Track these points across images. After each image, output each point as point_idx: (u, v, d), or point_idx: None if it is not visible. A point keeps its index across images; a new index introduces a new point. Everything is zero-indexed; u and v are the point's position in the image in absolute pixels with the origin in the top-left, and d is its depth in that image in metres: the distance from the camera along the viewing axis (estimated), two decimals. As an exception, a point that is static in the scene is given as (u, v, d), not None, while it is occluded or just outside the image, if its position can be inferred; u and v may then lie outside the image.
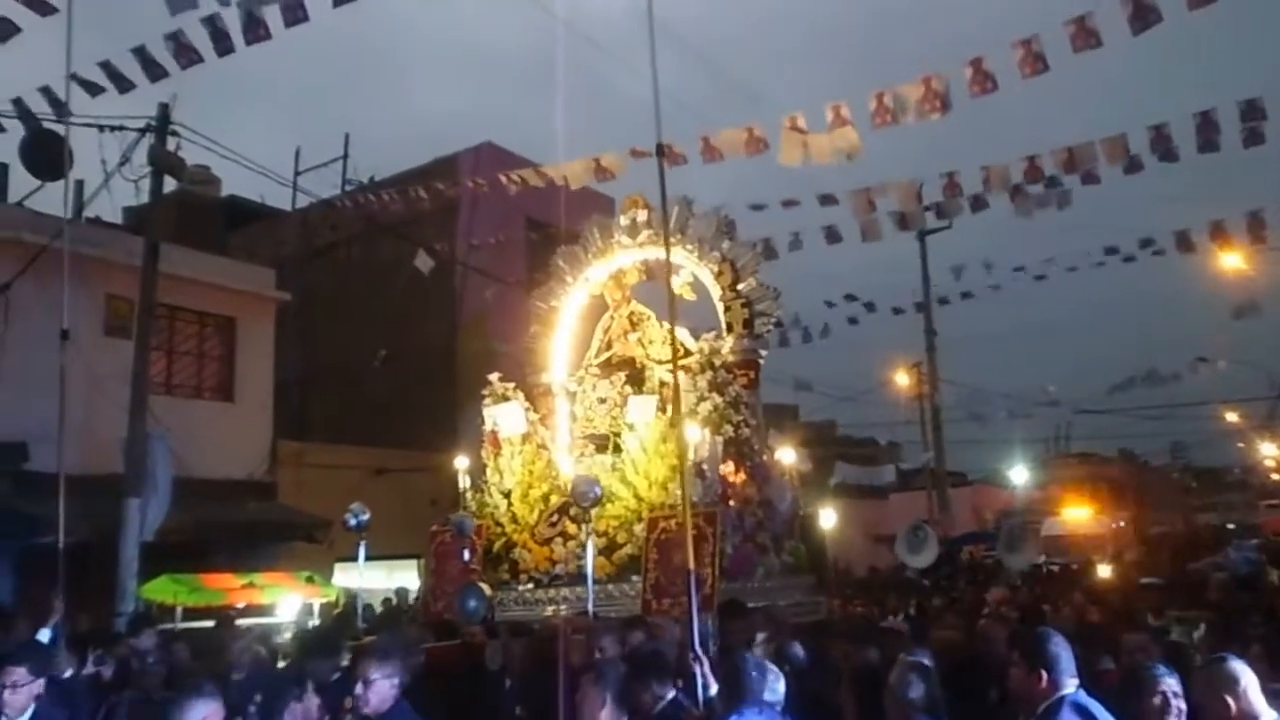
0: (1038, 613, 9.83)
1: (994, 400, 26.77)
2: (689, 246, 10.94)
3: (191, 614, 12.80)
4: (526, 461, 10.49)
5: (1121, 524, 29.18)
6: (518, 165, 19.83)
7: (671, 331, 8.13)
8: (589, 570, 6.40)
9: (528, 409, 10.84)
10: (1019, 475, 35.53)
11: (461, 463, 10.76)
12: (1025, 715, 3.92)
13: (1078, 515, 28.16)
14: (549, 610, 9.25)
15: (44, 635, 6.36)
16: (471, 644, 7.99)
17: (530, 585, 9.86)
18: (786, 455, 10.86)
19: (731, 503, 9.39)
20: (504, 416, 10.69)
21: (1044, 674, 3.87)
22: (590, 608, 6.45)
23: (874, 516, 31.91)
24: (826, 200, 13.79)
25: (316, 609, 13.62)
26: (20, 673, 4.70)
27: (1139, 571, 17.11)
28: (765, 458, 10.38)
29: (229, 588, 12.76)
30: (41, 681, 4.81)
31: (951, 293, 21.86)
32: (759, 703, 4.34)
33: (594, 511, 9.30)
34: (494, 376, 11.02)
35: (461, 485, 10.65)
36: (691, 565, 5.27)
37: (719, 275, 10.74)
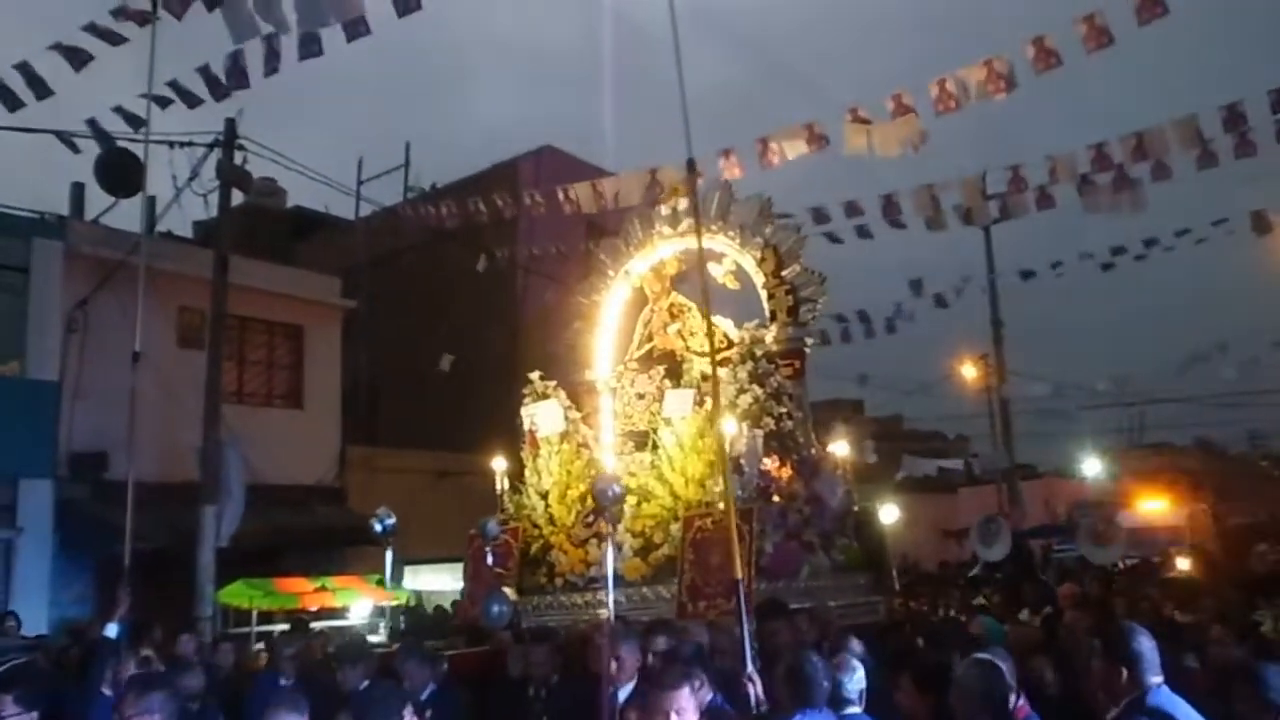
0: (1109, 608, 9.57)
1: (1065, 391, 26.23)
2: (730, 233, 10.48)
3: (266, 617, 13.08)
4: (565, 461, 10.07)
5: (1199, 515, 28.41)
6: (577, 168, 19.96)
7: (708, 321, 8.01)
8: (609, 572, 6.15)
9: (569, 407, 10.50)
10: (1091, 467, 34.80)
11: (499, 464, 10.52)
12: (1106, 712, 3.81)
13: (1153, 507, 27.50)
14: (587, 615, 8.97)
15: (111, 631, 6.43)
16: (499, 650, 7.86)
17: (566, 589, 9.58)
18: (839, 448, 10.39)
19: (776, 498, 9.02)
20: (542, 415, 10.37)
21: (1125, 670, 3.76)
22: (612, 612, 6.21)
23: (943, 511, 31.47)
24: (889, 204, 13.64)
25: (388, 611, 13.81)
26: (6, 701, 4.31)
27: (1219, 563, 16.65)
28: (813, 451, 9.94)
29: (302, 591, 12.99)
30: (35, 715, 4.37)
31: (1017, 282, 21.52)
32: (822, 705, 4.28)
33: (628, 511, 9.13)
34: (535, 375, 10.74)
35: (499, 487, 10.42)
36: (739, 574, 5.09)
37: (761, 262, 10.23)
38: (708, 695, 4.57)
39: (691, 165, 6.61)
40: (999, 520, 18.26)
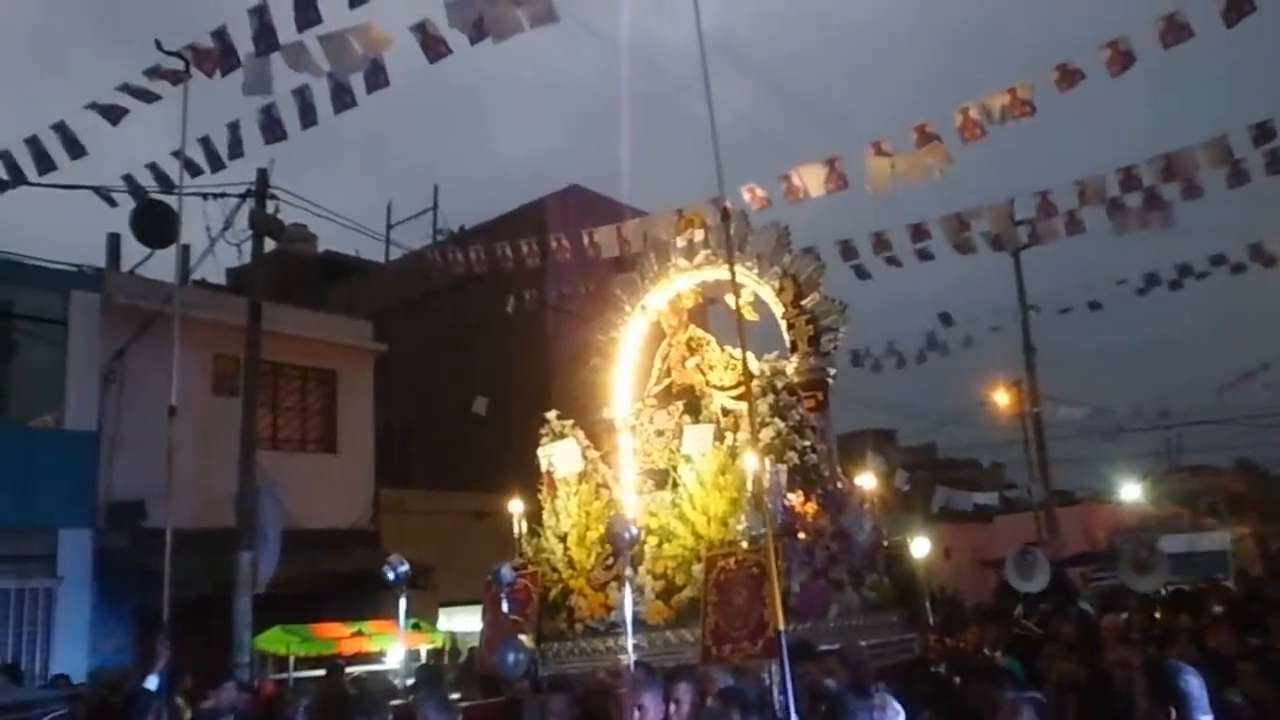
0: (1160, 640, 9.37)
1: (1101, 414, 25.92)
2: (748, 264, 10.13)
3: (303, 663, 13.08)
4: (583, 502, 9.83)
5: (1244, 539, 27.92)
6: (602, 205, 20.08)
7: (744, 356, 7.85)
8: (627, 616, 5.96)
9: (587, 446, 10.27)
10: (1129, 491, 34.32)
11: (516, 506, 10.24)
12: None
13: (1194, 532, 27.07)
14: (609, 661, 8.60)
15: (151, 683, 6.46)
16: (516, 701, 7.63)
17: (587, 634, 9.28)
18: (867, 481, 10.11)
19: (801, 535, 8.64)
20: (559, 455, 10.12)
21: (1174, 710, 3.68)
22: (632, 658, 6.03)
23: (980, 540, 31.13)
24: (919, 233, 13.63)
25: (423, 655, 13.78)
26: None
27: (1266, 590, 16.32)
28: (839, 485, 9.60)
29: (338, 636, 13.01)
30: None
31: (1049, 307, 21.45)
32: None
33: (649, 552, 8.91)
34: (551, 414, 10.49)
35: (516, 530, 10.18)
36: (777, 619, 4.95)
37: (780, 291, 9.91)
38: None
39: (725, 214, 6.62)
40: (1034, 552, 17.94)
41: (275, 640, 12.94)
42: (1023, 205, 14.32)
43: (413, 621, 13.61)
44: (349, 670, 11.96)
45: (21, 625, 13.29)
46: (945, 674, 8.30)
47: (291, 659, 13.06)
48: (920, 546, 12.96)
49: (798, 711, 4.79)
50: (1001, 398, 26.60)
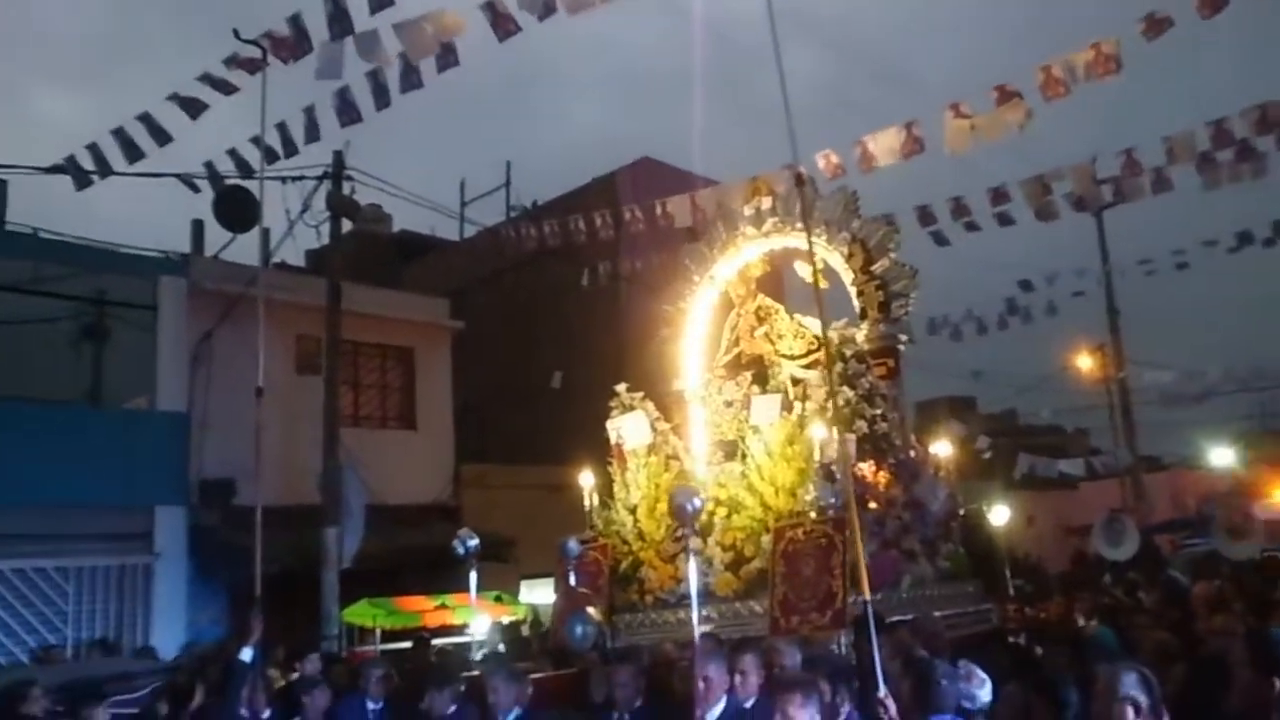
0: (1258, 609, 9.06)
1: (1189, 377, 25.13)
2: (817, 230, 9.87)
3: (389, 635, 13.37)
4: (653, 474, 9.80)
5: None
6: (674, 177, 19.99)
7: (824, 328, 7.77)
8: (692, 588, 5.93)
9: (657, 419, 10.22)
10: (1220, 456, 33.30)
11: (586, 479, 10.23)
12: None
13: (1292, 496, 26.18)
14: (679, 633, 8.54)
15: (246, 655, 6.68)
16: (585, 673, 7.61)
17: (657, 606, 9.30)
18: (941, 449, 9.94)
19: (872, 505, 8.56)
20: (628, 428, 10.10)
21: (1277, 681, 3.59)
22: (697, 629, 6.03)
23: (1064, 508, 30.51)
24: (998, 197, 13.32)
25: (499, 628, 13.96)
26: None
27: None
28: (912, 454, 9.51)
29: (423, 609, 13.24)
30: None
31: (1134, 268, 20.85)
32: (951, 711, 4.23)
33: (718, 523, 8.88)
34: (621, 387, 10.45)
35: (587, 503, 10.19)
36: (867, 594, 4.85)
37: (850, 258, 9.78)
38: (844, 711, 4.50)
39: (800, 179, 6.56)
40: (1121, 518, 17.54)
41: (362, 613, 13.23)
42: (1105, 164, 13.93)
43: (495, 594, 13.85)
44: (434, 642, 12.21)
45: (122, 600, 13.80)
46: (1025, 645, 8.17)
47: (378, 631, 13.35)
48: (999, 514, 12.71)
49: (883, 681, 4.70)
50: (1084, 362, 25.97)
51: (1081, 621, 9.80)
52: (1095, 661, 5.07)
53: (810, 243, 7.68)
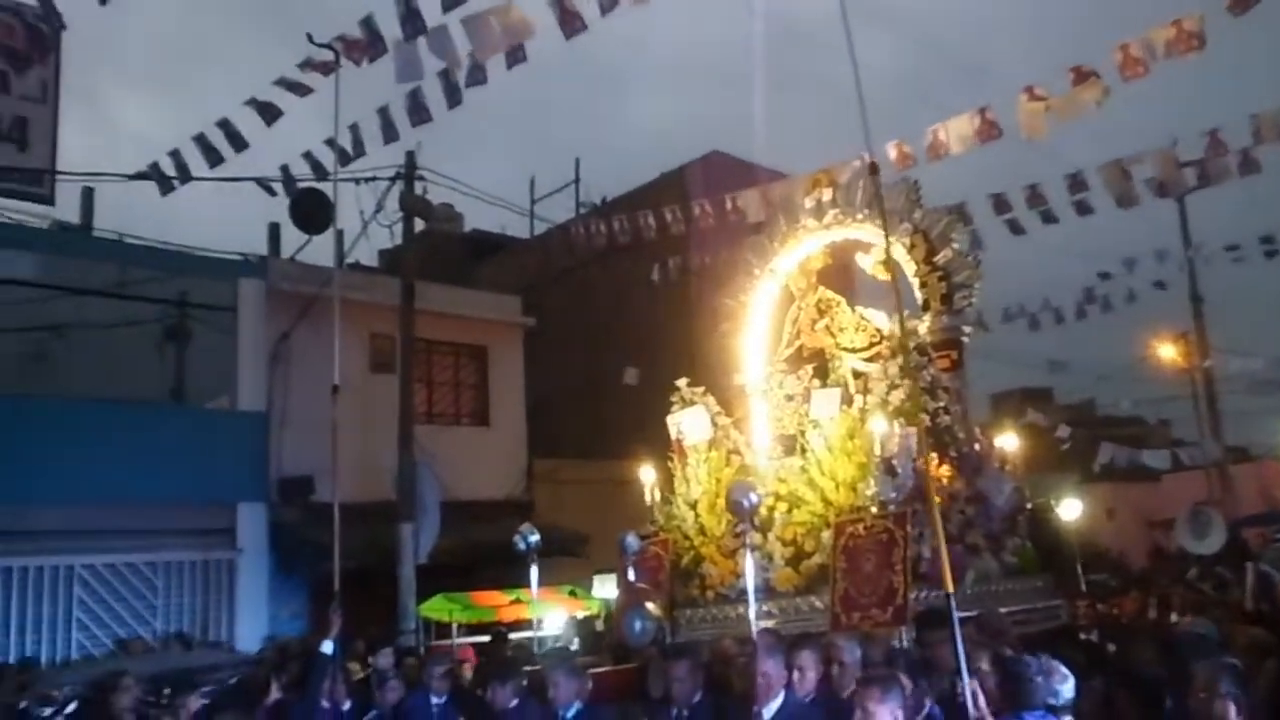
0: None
1: (1278, 365, 24.26)
2: (879, 221, 9.36)
3: (465, 629, 13.53)
4: (714, 469, 9.72)
5: None
6: (744, 170, 19.87)
7: (900, 319, 7.62)
8: (750, 584, 5.84)
9: (718, 413, 10.12)
10: (1315, 447, 32.12)
11: (647, 474, 10.15)
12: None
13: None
14: (739, 628, 8.19)
15: (327, 647, 6.82)
16: (644, 668, 7.52)
17: (718, 601, 9.20)
18: (1007, 441, 9.68)
19: (935, 499, 8.48)
20: (688, 423, 10.03)
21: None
22: (754, 625, 5.90)
23: (1147, 500, 29.83)
24: (1076, 184, 13.00)
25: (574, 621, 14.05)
26: None
27: None
28: (976, 447, 9.29)
29: (498, 604, 13.36)
30: None
31: (1217, 253, 20.25)
32: (1039, 706, 4.15)
33: (778, 518, 8.81)
34: (681, 382, 10.36)
35: (648, 498, 10.12)
36: (950, 587, 4.65)
37: (912, 249, 9.55)
38: (927, 707, 4.44)
39: (874, 168, 6.46)
40: (1207, 511, 17.00)
41: (438, 608, 13.41)
42: (1187, 147, 13.51)
43: (569, 589, 13.93)
44: (511, 637, 12.32)
45: (207, 594, 14.17)
46: (1097, 642, 7.97)
47: (454, 626, 13.52)
48: (1069, 508, 12.36)
49: (963, 676, 4.58)
50: (1166, 351, 25.25)
51: (1174, 617, 9.54)
52: (1191, 658, 4.91)
53: (886, 233, 7.58)
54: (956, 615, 4.50)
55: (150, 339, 14.96)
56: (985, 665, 4.80)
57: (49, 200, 15.25)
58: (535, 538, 9.13)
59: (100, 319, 13.85)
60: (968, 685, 4.33)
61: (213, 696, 7.44)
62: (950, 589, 4.71)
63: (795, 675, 5.32)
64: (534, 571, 9.19)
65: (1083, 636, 8.52)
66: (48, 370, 13.85)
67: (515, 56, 9.39)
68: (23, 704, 7.93)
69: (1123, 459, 23.00)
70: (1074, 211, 13.65)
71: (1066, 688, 4.41)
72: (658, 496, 10.11)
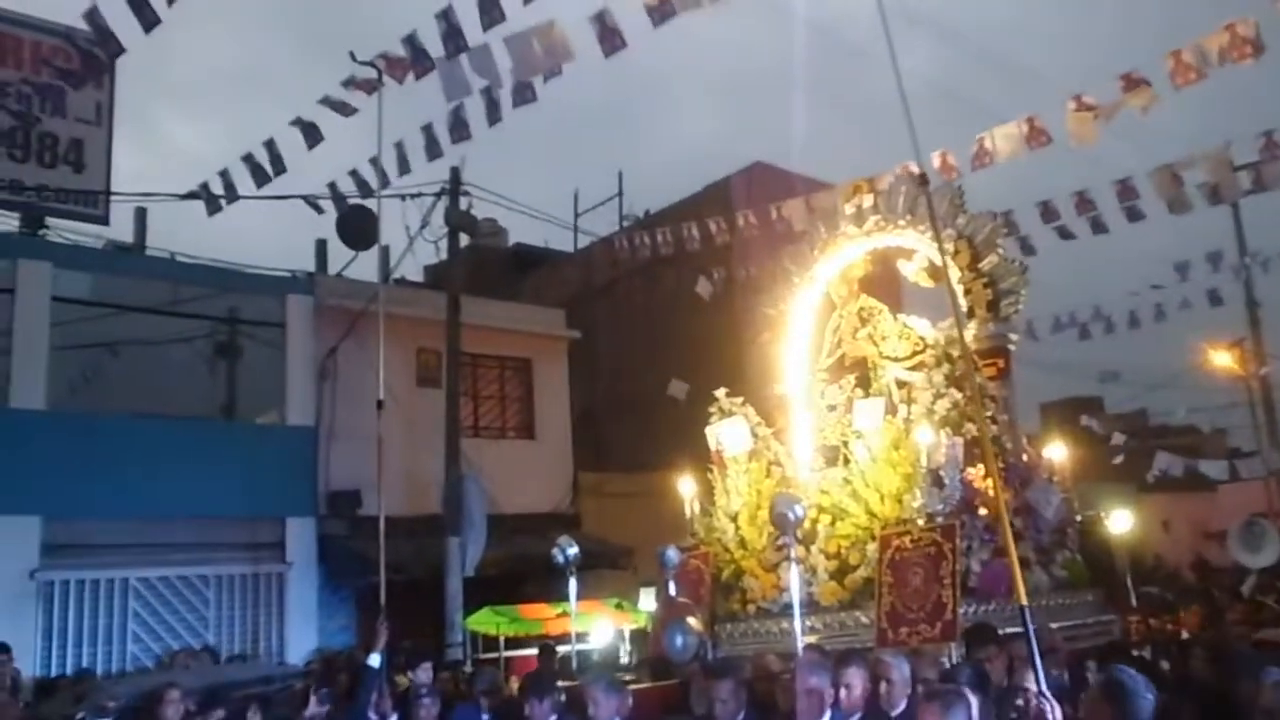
0: None
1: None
2: (921, 228, 9.58)
3: (512, 643, 13.55)
4: (754, 481, 9.57)
5: None
6: (788, 182, 19.81)
7: (959, 328, 7.53)
8: (795, 598, 5.67)
9: (758, 424, 9.99)
10: (1378, 455, 31.29)
11: (686, 487, 10.05)
12: None
13: None
14: (781, 643, 8.17)
15: (374, 660, 6.86)
16: (685, 684, 7.32)
17: (760, 615, 9.06)
18: (1055, 452, 9.46)
19: (981, 511, 8.12)
20: (727, 434, 9.92)
21: None
22: (799, 641, 5.72)
23: (1203, 511, 29.23)
24: (1126, 191, 12.79)
25: (627, 635, 14.00)
26: None
27: None
28: (1024, 458, 9.10)
29: (544, 617, 13.36)
30: None
31: (1273, 258, 19.81)
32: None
33: (822, 531, 8.67)
34: (720, 392, 10.28)
35: (688, 511, 10.02)
36: (1024, 600, 4.47)
37: (956, 255, 9.35)
38: None
39: (923, 178, 6.42)
40: (1261, 523, 16.58)
41: (485, 621, 13.44)
42: (1240, 151, 13.24)
43: (615, 601, 13.91)
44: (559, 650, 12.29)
45: (258, 607, 14.33)
46: (1150, 658, 7.79)
47: (501, 639, 13.55)
48: (1120, 520, 12.08)
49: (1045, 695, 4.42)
50: (1221, 358, 24.74)
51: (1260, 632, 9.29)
52: (1257, 671, 4.73)
53: (939, 241, 7.50)
54: (1011, 630, 4.36)
55: (201, 355, 15.17)
56: (1030, 684, 4.67)
57: (104, 220, 15.61)
58: (574, 550, 9.08)
59: (152, 336, 14.09)
60: (1049, 705, 4.04)
61: (241, 707, 7.51)
62: (1025, 601, 4.51)
63: (841, 693, 5.21)
64: (573, 584, 9.15)
65: (1135, 653, 8.33)
66: (102, 387, 14.10)
67: (552, 71, 9.43)
68: (80, 715, 8.07)
69: (1178, 469, 22.54)
70: (1124, 218, 13.42)
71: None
72: (697, 509, 10.02)
